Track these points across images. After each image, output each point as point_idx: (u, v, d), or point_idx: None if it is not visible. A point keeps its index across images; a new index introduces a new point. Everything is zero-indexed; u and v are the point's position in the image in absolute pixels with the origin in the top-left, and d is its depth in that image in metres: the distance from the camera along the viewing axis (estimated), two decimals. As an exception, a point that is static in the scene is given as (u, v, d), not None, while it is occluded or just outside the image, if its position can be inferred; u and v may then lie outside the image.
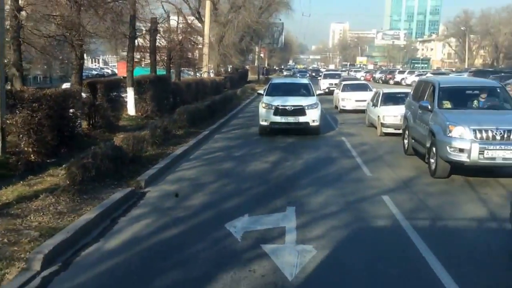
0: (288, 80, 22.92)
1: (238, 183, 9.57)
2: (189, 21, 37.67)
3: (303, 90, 17.11)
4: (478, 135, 9.45)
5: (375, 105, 17.42)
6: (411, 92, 13.83)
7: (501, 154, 9.26)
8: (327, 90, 32.21)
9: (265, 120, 15.44)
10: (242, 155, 12.67)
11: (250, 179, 10.01)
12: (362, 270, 5.52)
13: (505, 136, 9.35)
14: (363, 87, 24.81)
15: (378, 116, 16.43)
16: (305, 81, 18.83)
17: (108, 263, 5.58)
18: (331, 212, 7.71)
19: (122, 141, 9.82)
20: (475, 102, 11.26)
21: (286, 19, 63.72)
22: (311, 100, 15.89)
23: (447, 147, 9.66)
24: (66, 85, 23.28)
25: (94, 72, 64.31)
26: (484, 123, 9.66)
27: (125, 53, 22.25)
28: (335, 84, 32.35)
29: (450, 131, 9.74)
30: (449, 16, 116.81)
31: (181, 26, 31.31)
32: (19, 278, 4.92)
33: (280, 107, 15.25)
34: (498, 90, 11.63)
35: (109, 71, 70.70)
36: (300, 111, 15.26)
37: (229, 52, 42.86)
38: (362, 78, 56.54)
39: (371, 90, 22.70)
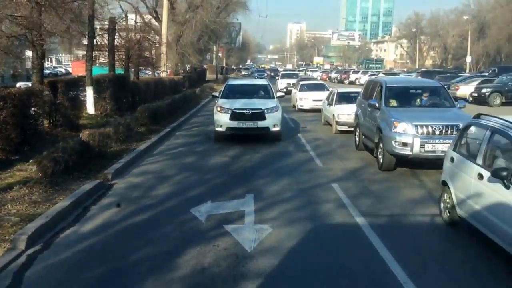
0: (245, 81, 20.81)
1: (200, 175, 10.27)
2: (146, 20, 37.92)
3: (262, 92, 15.83)
4: (420, 130, 10.17)
5: (330, 104, 18.00)
6: (362, 91, 14.59)
7: (440, 148, 9.90)
8: (285, 90, 32.36)
9: (221, 126, 14.04)
10: (203, 150, 13.34)
11: (211, 171, 10.73)
12: (311, 241, 6.40)
13: (444, 131, 10.14)
14: (320, 87, 25.20)
15: (333, 114, 17.02)
16: (264, 82, 17.38)
17: (86, 242, 6.22)
18: (285, 197, 8.55)
19: (89, 137, 10.33)
20: (418, 100, 12.04)
21: (243, 19, 64.55)
22: (271, 103, 14.69)
23: (392, 142, 10.35)
24: (20, 84, 23.22)
25: (47, 71, 62.94)
26: (425, 119, 10.41)
27: (78, 52, 22.43)
28: (293, 84, 32.68)
29: (395, 127, 10.44)
30: (401, 18, 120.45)
31: (139, 25, 31.54)
32: (6, 256, 5.49)
33: (237, 111, 13.89)
34: (439, 90, 12.58)
35: (63, 70, 69.34)
36: (259, 115, 13.91)
37: (187, 51, 43.14)
38: (319, 78, 57.88)
39: (328, 89, 22.92)
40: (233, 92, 15.58)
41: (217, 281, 5.17)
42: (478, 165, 6.26)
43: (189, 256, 5.78)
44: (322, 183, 9.62)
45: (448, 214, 7.07)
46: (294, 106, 25.64)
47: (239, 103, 14.37)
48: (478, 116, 7.08)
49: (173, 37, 40.90)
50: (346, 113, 16.24)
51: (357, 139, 13.66)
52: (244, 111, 13.94)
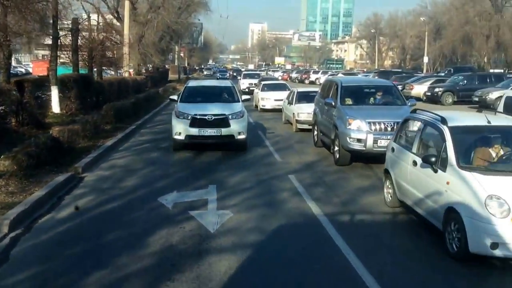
0: (207, 83, 18.18)
1: (166, 169, 10.92)
2: (108, 20, 37.95)
3: (226, 95, 14.25)
4: (373, 127, 10.79)
5: (290, 103, 18.43)
6: (319, 91, 15.22)
7: None
8: (247, 90, 32.75)
9: (179, 133, 12.55)
10: (167, 146, 13.89)
11: (176, 165, 11.40)
12: (268, 222, 7.18)
13: (395, 127, 10.38)
14: (281, 87, 25.41)
15: (293, 113, 17.41)
16: (228, 84, 15.57)
17: (63, 226, 6.84)
18: (246, 187, 9.32)
19: (59, 133, 10.81)
20: (372, 99, 12.70)
21: (205, 19, 65.08)
22: (236, 107, 13.19)
23: (347, 138, 10.93)
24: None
25: (7, 71, 61.65)
26: (378, 117, 11.01)
27: (38, 52, 22.48)
28: (255, 84, 32.70)
29: (350, 124, 11.02)
30: (361, 19, 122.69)
31: (101, 25, 31.66)
32: (-10, 239, 6.03)
33: (198, 117, 12.45)
34: (391, 89, 13.35)
35: (23, 70, 68.13)
36: (223, 121, 12.47)
37: (149, 51, 43.33)
38: (280, 78, 58.84)
39: (289, 89, 23.03)
40: (193, 95, 13.97)
41: (184, 256, 5.88)
42: (413, 153, 7.18)
43: (158, 236, 6.46)
44: (279, 174, 10.41)
45: (390, 198, 7.98)
46: (256, 106, 26.02)
47: (200, 108, 12.85)
48: (414, 111, 8.03)
49: (135, 37, 41.01)
50: (306, 111, 16.57)
51: (315, 136, 14.17)
52: (206, 117, 12.41)
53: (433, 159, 6.39)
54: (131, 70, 36.83)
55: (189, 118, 12.52)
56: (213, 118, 12.46)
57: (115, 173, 10.27)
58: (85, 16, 28.56)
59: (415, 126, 7.66)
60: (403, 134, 8.08)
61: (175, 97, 14.59)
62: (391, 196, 7.95)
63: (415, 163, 6.99)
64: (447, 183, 6.05)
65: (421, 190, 6.77)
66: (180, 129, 12.58)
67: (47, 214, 7.30)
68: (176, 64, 70.86)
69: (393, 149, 8.10)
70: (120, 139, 14.25)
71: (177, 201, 8.14)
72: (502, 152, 6.46)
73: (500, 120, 7.08)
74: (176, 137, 12.68)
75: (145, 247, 6.08)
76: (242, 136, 12.80)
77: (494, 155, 6.45)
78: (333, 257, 5.93)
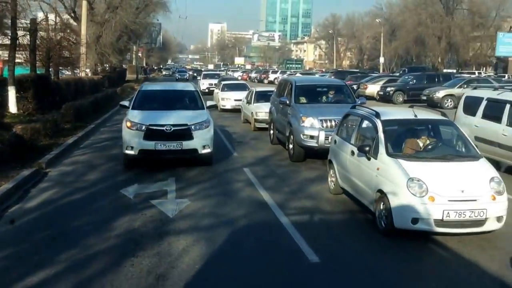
0: (166, 86, 15.35)
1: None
2: (65, 20, 37.70)
3: (188, 101, 12.30)
4: (324, 124, 11.29)
5: (249, 102, 18.80)
6: (275, 90, 15.77)
7: None
8: (207, 91, 32.57)
9: (131, 148, 10.47)
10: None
11: (136, 161, 11.91)
12: (223, 208, 7.91)
13: None
14: (241, 87, 25.23)
15: (252, 112, 17.77)
16: (190, 87, 13.31)
17: (32, 215, 7.39)
18: (203, 179, 10.00)
19: (22, 131, 11.18)
20: (325, 97, 13.29)
21: (163, 19, 64.88)
22: (201, 115, 11.29)
23: (301, 135, 11.43)
24: None
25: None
26: (330, 114, 11.44)
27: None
28: (215, 84, 32.29)
29: (303, 122, 11.51)
30: (320, 19, 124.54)
31: (59, 25, 31.55)
32: (-37, 227, 6.50)
33: (154, 128, 10.52)
34: (343, 88, 13.98)
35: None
36: (184, 133, 10.65)
37: (106, 51, 43.23)
38: (240, 78, 59.49)
39: (249, 89, 22.67)
40: (148, 101, 11.99)
41: (146, 237, 6.53)
42: (352, 144, 8.05)
43: (121, 222, 7.10)
44: (235, 168, 11.15)
45: (333, 186, 8.83)
46: (216, 106, 26.35)
47: (157, 117, 10.91)
48: (354, 107, 8.92)
49: (92, 37, 40.87)
50: (264, 111, 16.75)
51: (271, 134, 14.62)
52: (164, 128, 10.50)
53: (367, 148, 7.26)
54: (87, 70, 36.73)
55: (143, 129, 10.49)
56: (172, 129, 10.49)
57: (78, 168, 10.76)
58: (42, 16, 28.44)
59: (354, 120, 8.53)
60: (344, 128, 8.95)
61: (126, 102, 12.45)
62: (334, 184, 8.80)
63: (353, 152, 7.85)
64: (378, 169, 6.92)
65: (358, 176, 7.63)
66: (132, 142, 10.50)
67: (16, 204, 7.80)
68: (134, 64, 70.52)
69: (335, 141, 8.97)
70: (80, 137, 14.63)
71: (138, 192, 8.74)
72: (428, 142, 7.39)
73: (425, 114, 8.01)
74: (127, 151, 10.60)
75: (110, 231, 6.71)
76: (207, 150, 10.86)
77: (421, 144, 7.37)
78: (279, 234, 6.74)
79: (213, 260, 5.83)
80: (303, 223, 7.16)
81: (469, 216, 6.13)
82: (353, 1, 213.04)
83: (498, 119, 10.73)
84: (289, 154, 12.29)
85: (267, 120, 16.03)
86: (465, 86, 26.95)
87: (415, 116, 7.55)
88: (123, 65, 61.83)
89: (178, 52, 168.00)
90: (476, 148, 7.24)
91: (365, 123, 7.96)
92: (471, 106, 11.87)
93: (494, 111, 11.03)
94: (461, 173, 6.46)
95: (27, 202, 8.01)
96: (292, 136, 12.00)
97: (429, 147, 7.28)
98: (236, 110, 22.35)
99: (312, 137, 11.33)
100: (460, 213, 6.11)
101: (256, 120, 17.48)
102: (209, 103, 12.54)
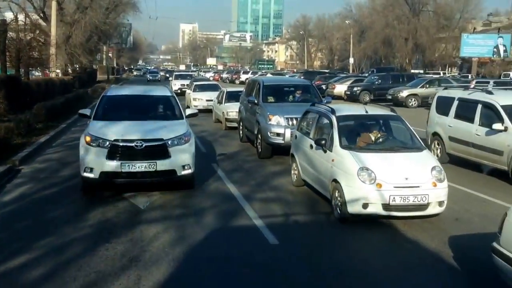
0: (136, 91, 11.75)
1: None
2: (34, 21, 37.45)
3: (163, 109, 10.24)
4: (290, 122, 11.63)
5: (220, 102, 19.13)
6: (244, 90, 16.20)
7: None
8: (179, 91, 32.09)
9: (90, 170, 8.40)
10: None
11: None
12: (191, 199, 8.46)
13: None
14: (213, 88, 25.18)
15: (223, 112, 18.11)
16: (164, 91, 10.92)
17: (8, 207, 7.80)
18: (173, 174, 10.45)
19: (-6, 130, 11.47)
20: (291, 97, 13.78)
21: (134, 19, 64.57)
22: (179, 127, 9.19)
23: (268, 133, 11.86)
24: None
25: None
26: (295, 113, 11.35)
27: None
28: (187, 85, 31.51)
29: (270, 120, 11.96)
30: (291, 20, 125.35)
31: (28, 26, 31.41)
32: None
33: (121, 144, 8.43)
34: (309, 88, 14.55)
35: None
36: (159, 150, 8.55)
37: (76, 52, 42.96)
38: (211, 78, 59.78)
39: (221, 90, 22.56)
40: (114, 109, 9.83)
41: (119, 226, 7.02)
42: (311, 139, 8.67)
43: (95, 213, 7.57)
44: (204, 163, 11.59)
45: (296, 178, 9.43)
46: (188, 107, 26.51)
47: (125, 130, 8.75)
48: (313, 104, 9.56)
49: (62, 37, 40.64)
50: (234, 110, 16.90)
51: (240, 132, 15.09)
52: (133, 144, 8.39)
53: (323, 141, 7.89)
54: (58, 71, 36.59)
55: (107, 145, 8.35)
56: (143, 145, 8.37)
57: (51, 165, 11.13)
58: (11, 16, 28.32)
59: (312, 116, 9.16)
60: (304, 124, 9.57)
61: (86, 111, 9.98)
62: (296, 177, 9.40)
63: (311, 146, 8.48)
64: (332, 160, 7.55)
65: (316, 168, 8.26)
66: (92, 163, 8.31)
67: (-8, 198, 8.18)
68: (104, 64, 70.14)
69: (296, 137, 9.59)
70: (52, 136, 14.92)
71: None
72: (379, 136, 8.06)
73: (375, 110, 8.72)
74: (86, 174, 8.38)
75: (84, 221, 7.17)
76: (187, 171, 8.73)
77: (373, 138, 8.03)
78: (244, 221, 7.31)
79: (181, 244, 6.34)
80: (266, 212, 7.75)
81: (413, 201, 6.82)
82: (323, 2, 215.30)
83: (470, 119, 10.81)
84: (257, 151, 12.73)
85: (237, 119, 16.26)
86: (427, 86, 28.19)
87: (366, 112, 8.23)
88: (94, 66, 61.44)
89: (149, 52, 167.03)
90: (420, 140, 7.97)
91: (322, 119, 8.59)
92: (443, 106, 11.98)
93: (466, 111, 11.09)
94: (406, 163, 7.16)
95: (3, 196, 8.40)
96: (260, 134, 12.45)
97: (380, 140, 7.96)
98: (208, 111, 22.30)
99: (278, 134, 11.79)
100: (404, 198, 6.79)
101: (227, 120, 17.81)
102: (188, 111, 10.17)
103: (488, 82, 24.62)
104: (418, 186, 6.85)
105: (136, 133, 8.58)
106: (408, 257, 6.13)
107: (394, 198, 6.77)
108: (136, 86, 15.15)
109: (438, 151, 11.90)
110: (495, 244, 4.68)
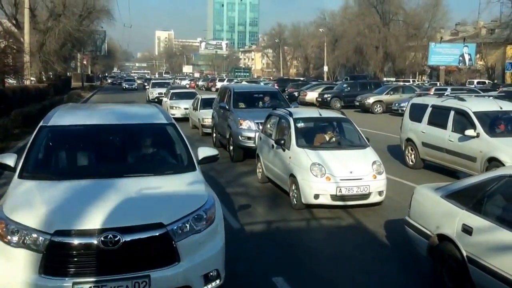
0: (104, 116, 6.19)
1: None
2: (6, 28, 37.63)
3: (156, 151, 6.03)
4: (260, 127, 12.45)
5: (195, 109, 19.52)
6: (216, 96, 16.67)
7: None
8: (156, 100, 31.61)
9: None
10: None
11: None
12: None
13: None
14: (191, 95, 24.70)
15: (199, 118, 18.51)
16: (155, 116, 6.17)
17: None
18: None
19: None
20: (261, 103, 14.59)
21: (108, 27, 64.47)
22: (190, 191, 4.92)
23: (239, 137, 12.52)
24: None
25: None
26: (264, 118, 12.57)
27: None
28: (164, 93, 30.70)
29: (241, 125, 12.67)
30: (266, 28, 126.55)
31: (1, 33, 31.76)
32: None
33: (71, 243, 4.08)
34: (277, 94, 15.60)
35: None
36: (155, 248, 4.24)
37: (51, 59, 43.14)
38: (188, 86, 60.31)
39: (196, 97, 22.49)
40: (62, 155, 5.78)
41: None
42: (272, 139, 9.63)
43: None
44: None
45: (260, 175, 10.37)
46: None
47: (80, 203, 4.42)
48: (274, 108, 10.54)
49: (36, 45, 40.82)
50: (210, 117, 17.13)
51: (214, 137, 15.73)
52: (98, 239, 4.08)
53: (282, 141, 8.88)
54: (32, 78, 36.86)
55: (41, 244, 4.08)
56: (121, 240, 4.11)
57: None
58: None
59: (274, 119, 10.12)
60: (267, 126, 10.53)
61: (9, 159, 5.41)
62: (261, 174, 10.35)
63: (273, 146, 9.43)
64: (290, 157, 8.53)
65: (277, 165, 9.22)
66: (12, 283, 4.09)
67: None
68: (79, 72, 70.20)
69: (260, 138, 10.55)
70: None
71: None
72: (332, 136, 9.07)
73: (328, 113, 9.80)
74: None
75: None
76: (214, 284, 4.56)
77: (327, 138, 9.04)
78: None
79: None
80: (232, 204, 8.63)
81: (356, 191, 7.86)
82: (298, 10, 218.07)
83: (443, 126, 10.95)
84: (229, 155, 13.26)
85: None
86: (391, 93, 29.61)
87: (320, 115, 9.26)
88: (68, 73, 61.53)
89: (124, 60, 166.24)
90: (365, 139, 9.02)
91: (282, 121, 9.56)
92: (416, 113, 12.15)
93: (439, 117, 11.26)
94: (351, 158, 8.21)
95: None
96: (231, 138, 13.07)
97: (333, 139, 8.97)
98: (186, 119, 21.53)
99: (249, 138, 12.43)
100: (349, 189, 7.82)
101: (203, 126, 18.21)
102: (203, 151, 5.72)
103: (446, 89, 26.06)
104: (361, 178, 7.88)
105: (105, 211, 4.24)
106: (351, 237, 7.21)
107: (340, 189, 7.78)
108: (105, 107, 8.46)
109: (412, 156, 12.14)
110: (406, 217, 5.69)
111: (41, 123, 5.76)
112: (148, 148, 6.00)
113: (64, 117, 5.98)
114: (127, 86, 60.43)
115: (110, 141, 5.84)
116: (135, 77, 78.93)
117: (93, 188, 4.70)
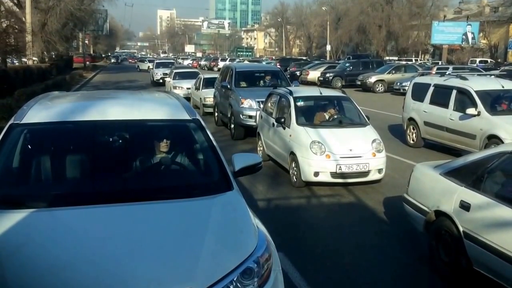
0: (102, 111, 4.22)
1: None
2: (8, 7, 37.50)
3: (176, 164, 4.31)
4: (261, 105, 12.64)
5: (197, 88, 19.52)
6: (218, 76, 16.77)
7: None
8: (161, 81, 31.56)
9: None
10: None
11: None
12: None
13: None
14: (194, 75, 24.41)
15: (200, 98, 18.56)
16: (170, 111, 4.46)
17: None
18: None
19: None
20: (262, 82, 14.70)
21: (110, 6, 63.98)
22: (234, 230, 3.32)
23: (241, 115, 12.69)
24: None
25: None
26: (265, 96, 12.96)
27: None
28: (169, 73, 30.32)
29: (242, 103, 12.81)
30: (269, 7, 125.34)
31: (3, 13, 31.65)
32: None
33: None
34: (278, 73, 15.57)
35: None
36: None
37: (53, 39, 43.08)
38: (190, 65, 60.14)
39: (198, 76, 22.38)
40: (43, 170, 4.00)
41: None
42: (273, 118, 9.70)
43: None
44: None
45: (261, 153, 10.44)
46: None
47: (72, 253, 2.79)
48: (275, 87, 10.58)
49: (38, 24, 40.69)
50: (211, 96, 17.22)
51: (216, 116, 15.83)
52: None
53: (283, 119, 8.94)
54: (35, 58, 36.85)
55: None
56: None
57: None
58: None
59: (275, 98, 10.18)
60: (268, 105, 10.59)
61: None
62: (261, 152, 10.43)
63: (273, 124, 9.51)
64: (290, 135, 8.61)
65: (277, 143, 9.31)
66: None
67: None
68: (81, 51, 69.96)
69: (261, 116, 10.61)
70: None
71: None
72: (332, 114, 9.13)
73: (329, 91, 9.84)
74: None
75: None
76: None
77: (327, 116, 9.10)
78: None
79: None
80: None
81: (356, 169, 7.95)
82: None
83: (445, 105, 11.02)
84: (231, 133, 13.44)
85: (214, 104, 16.70)
86: (393, 72, 29.50)
87: (320, 93, 9.30)
88: (70, 53, 61.37)
89: (126, 39, 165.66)
90: (365, 117, 9.07)
91: (282, 100, 9.62)
92: (419, 92, 12.19)
93: (441, 96, 11.30)
94: (351, 136, 8.29)
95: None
96: (233, 117, 13.19)
97: (333, 118, 9.03)
98: (188, 99, 21.38)
99: (250, 116, 12.57)
100: (349, 167, 7.91)
101: (204, 105, 18.29)
102: (239, 159, 4.49)
103: (448, 68, 25.91)
104: (360, 156, 7.97)
105: (106, 263, 2.78)
106: (351, 213, 7.31)
107: (340, 167, 7.87)
108: (104, 95, 5.93)
109: (414, 135, 12.23)
110: (404, 194, 5.78)
111: (11, 121, 4.05)
112: (164, 157, 4.19)
113: (45, 110, 4.27)
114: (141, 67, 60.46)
115: (110, 146, 4.17)
116: (147, 59, 78.17)
117: (83, 224, 3.08)
